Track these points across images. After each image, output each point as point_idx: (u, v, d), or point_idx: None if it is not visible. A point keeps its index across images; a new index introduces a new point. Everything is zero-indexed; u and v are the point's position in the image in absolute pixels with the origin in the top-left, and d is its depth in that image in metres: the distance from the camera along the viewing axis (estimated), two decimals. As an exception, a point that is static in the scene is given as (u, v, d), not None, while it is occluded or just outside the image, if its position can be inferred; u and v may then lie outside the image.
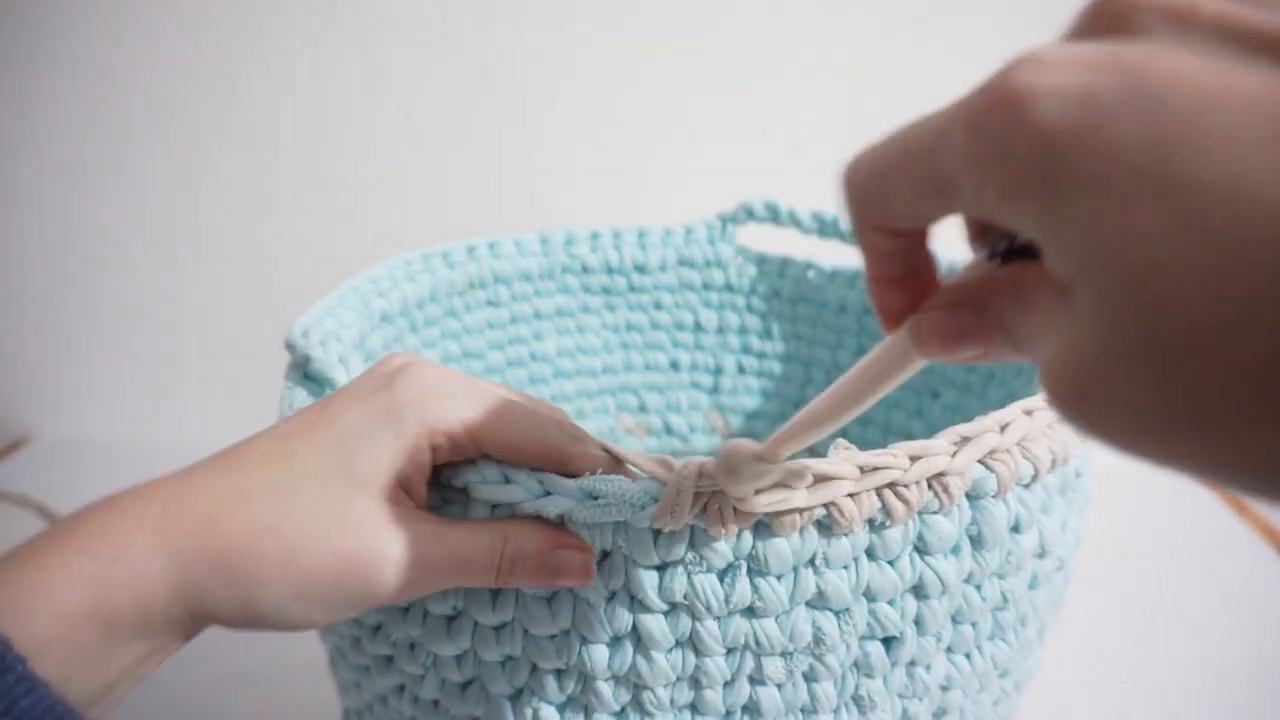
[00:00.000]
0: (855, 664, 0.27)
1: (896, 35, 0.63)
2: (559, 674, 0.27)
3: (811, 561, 0.25)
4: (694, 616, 0.25)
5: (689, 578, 0.25)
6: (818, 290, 0.50)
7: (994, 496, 0.26)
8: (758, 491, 0.23)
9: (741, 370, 0.53)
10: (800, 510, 0.24)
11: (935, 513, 0.25)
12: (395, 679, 0.29)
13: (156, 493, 0.23)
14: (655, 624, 0.25)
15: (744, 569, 0.25)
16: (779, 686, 0.27)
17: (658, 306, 0.53)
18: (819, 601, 0.25)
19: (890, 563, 0.26)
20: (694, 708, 0.27)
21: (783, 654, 0.26)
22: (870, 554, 0.25)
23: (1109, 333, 0.12)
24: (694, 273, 0.52)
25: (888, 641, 0.27)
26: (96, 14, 0.65)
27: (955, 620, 0.28)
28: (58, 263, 0.72)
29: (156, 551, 0.22)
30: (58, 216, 0.71)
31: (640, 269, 0.52)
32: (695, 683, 0.26)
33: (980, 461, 0.26)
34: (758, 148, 0.67)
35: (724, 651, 0.26)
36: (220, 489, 0.23)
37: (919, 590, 0.26)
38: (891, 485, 0.24)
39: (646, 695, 0.26)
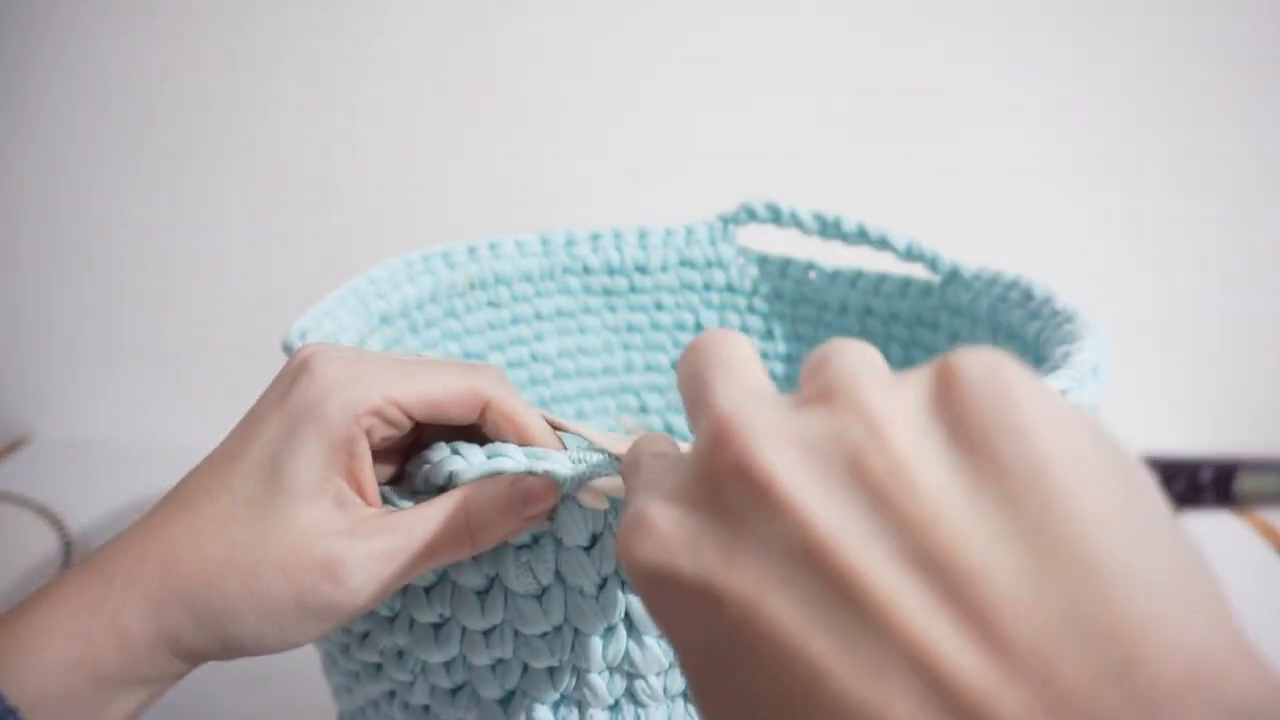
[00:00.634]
0: None
1: (897, 36, 0.63)
2: (552, 671, 0.27)
3: None
4: None
5: None
6: (819, 291, 0.50)
7: None
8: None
9: (742, 371, 0.53)
10: None
11: None
12: (385, 685, 0.29)
13: (124, 545, 0.23)
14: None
15: None
16: None
17: (659, 307, 0.53)
18: None
19: None
20: (686, 695, 0.27)
21: None
22: None
23: None
24: (695, 273, 0.52)
25: None
26: (96, 14, 0.65)
27: None
28: (57, 263, 0.72)
29: (129, 603, 0.22)
30: (57, 216, 0.71)
31: (641, 269, 0.52)
32: None
33: None
34: (759, 148, 0.67)
35: None
36: (174, 532, 0.23)
37: None
38: None
39: (640, 685, 0.26)
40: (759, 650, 0.13)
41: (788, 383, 0.53)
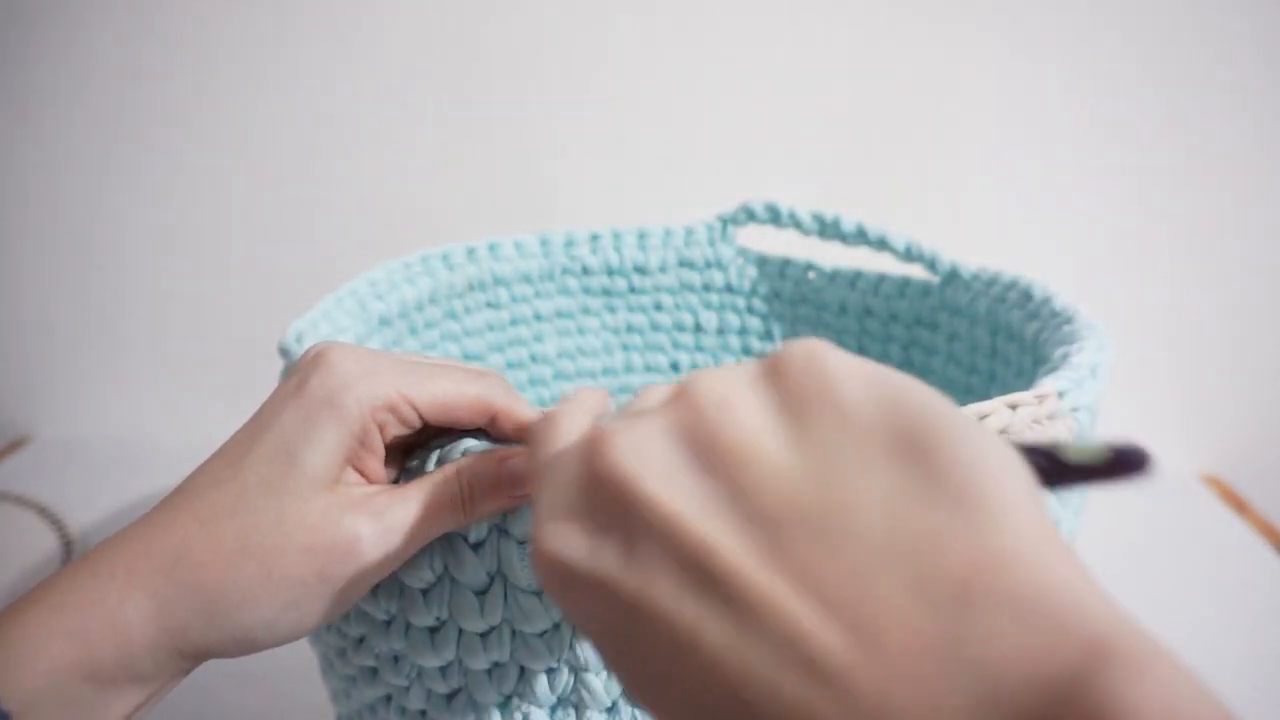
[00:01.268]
0: None
1: (897, 36, 0.63)
2: (550, 673, 0.26)
3: None
4: None
5: None
6: (818, 291, 0.50)
7: None
8: None
9: (741, 371, 0.53)
10: None
11: None
12: (381, 690, 0.29)
13: (123, 542, 0.23)
14: None
15: None
16: None
17: (658, 308, 0.53)
18: None
19: None
20: None
21: None
22: None
23: None
24: (694, 274, 0.52)
25: None
26: (96, 14, 0.65)
27: None
28: (58, 263, 0.72)
29: (131, 599, 0.22)
30: (57, 216, 0.71)
31: (640, 270, 0.52)
32: None
33: None
34: (758, 149, 0.67)
35: None
36: (183, 524, 0.23)
37: None
38: None
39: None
40: (651, 628, 0.15)
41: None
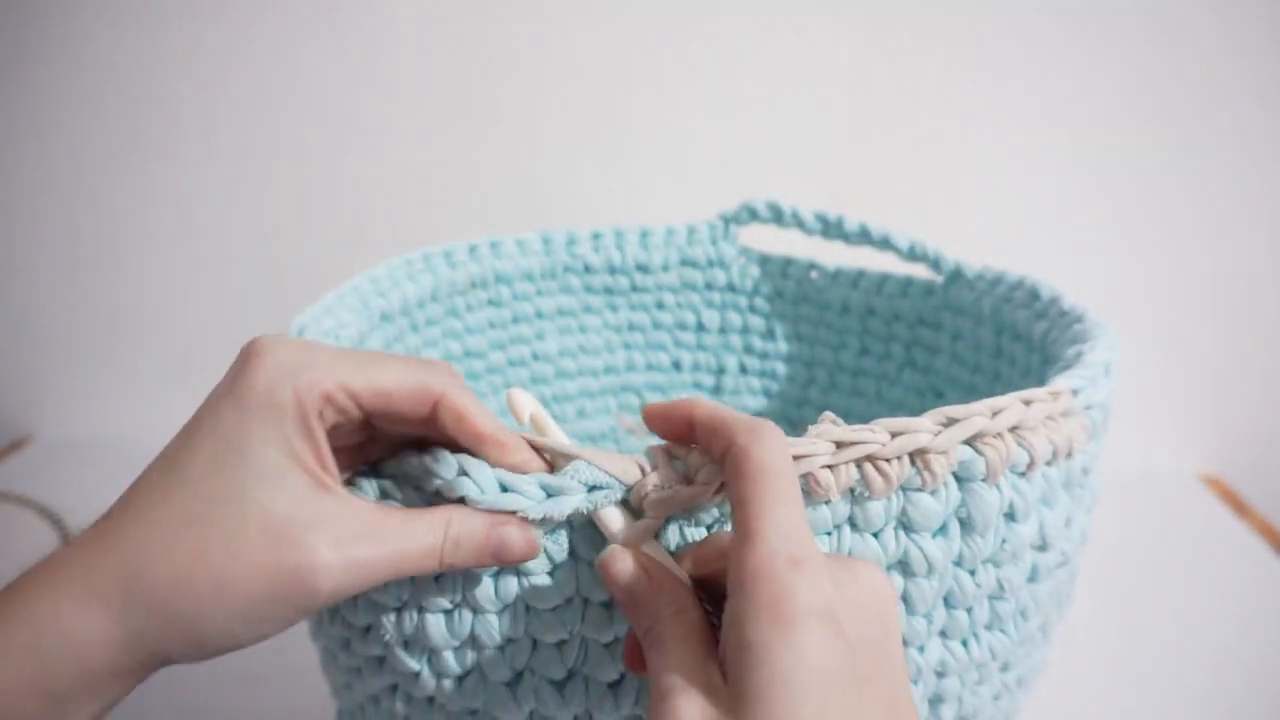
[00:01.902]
0: None
1: (896, 35, 0.63)
2: (560, 645, 0.26)
3: None
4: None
5: (681, 531, 0.25)
6: (820, 291, 0.50)
7: (984, 480, 0.26)
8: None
9: (744, 370, 0.53)
10: None
11: (919, 490, 0.26)
12: (387, 679, 0.29)
13: (75, 555, 0.22)
14: None
15: (729, 527, 0.25)
16: None
17: (660, 306, 0.53)
18: None
19: (874, 534, 0.26)
20: None
21: None
22: (852, 524, 0.26)
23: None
24: (696, 273, 0.52)
25: None
26: (96, 14, 0.65)
27: (948, 604, 0.28)
28: (58, 263, 0.72)
29: (87, 611, 0.21)
30: (58, 217, 0.71)
31: (642, 269, 0.52)
32: None
33: (969, 444, 0.26)
34: (761, 147, 0.67)
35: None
36: (135, 535, 0.22)
37: (905, 567, 0.26)
38: (870, 458, 0.25)
39: None
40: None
41: (789, 383, 0.53)
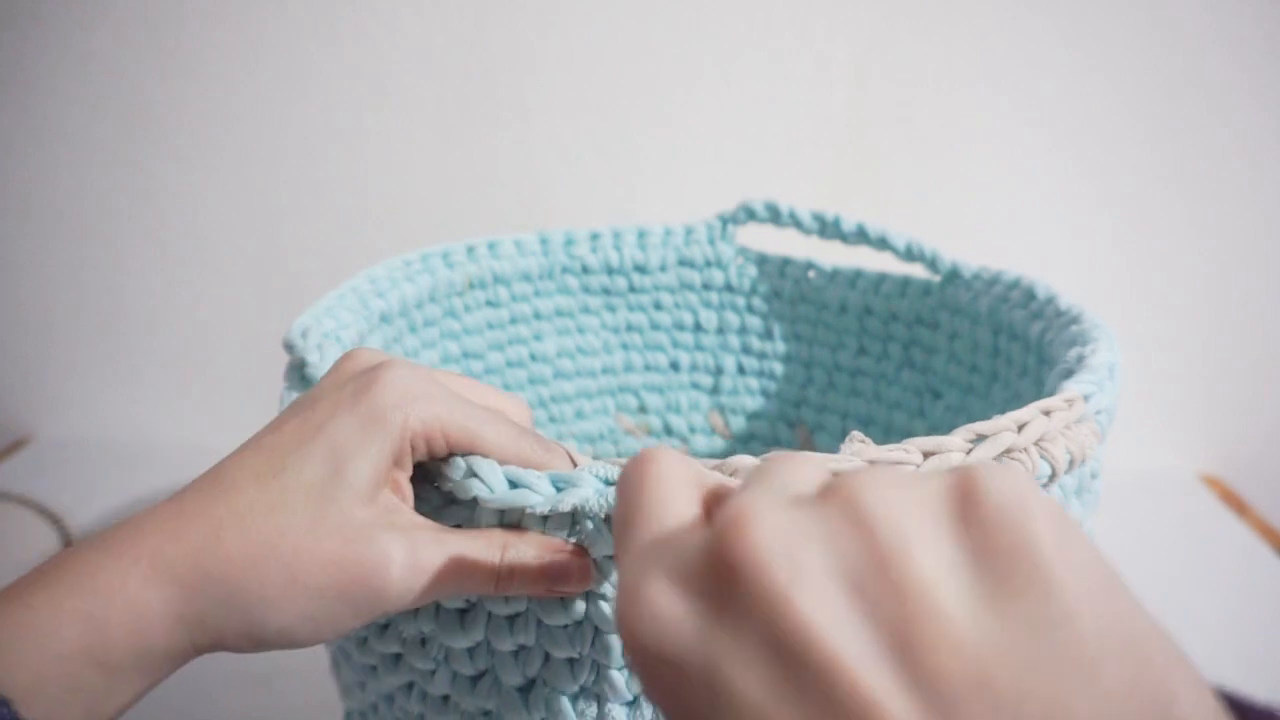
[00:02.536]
0: None
1: (896, 35, 0.63)
2: (573, 663, 0.27)
3: None
4: None
5: None
6: (818, 290, 0.50)
7: None
8: None
9: (742, 371, 0.53)
10: None
11: None
12: (404, 677, 0.29)
13: (149, 524, 0.22)
14: None
15: None
16: None
17: (658, 307, 0.53)
18: None
19: None
20: None
21: None
22: None
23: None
24: (694, 273, 0.52)
25: None
26: (97, 14, 0.65)
27: None
28: (58, 263, 0.72)
29: (155, 584, 0.21)
30: (58, 216, 0.71)
31: (640, 269, 0.52)
32: None
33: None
34: (758, 148, 0.67)
35: None
36: (215, 513, 0.23)
37: None
38: None
39: None
40: None
41: (786, 383, 0.53)
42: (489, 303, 0.49)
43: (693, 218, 0.53)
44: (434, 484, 0.26)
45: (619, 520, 0.19)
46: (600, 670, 0.27)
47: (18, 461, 0.72)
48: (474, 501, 0.25)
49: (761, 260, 0.52)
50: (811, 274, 0.51)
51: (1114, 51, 0.63)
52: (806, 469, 0.17)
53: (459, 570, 0.24)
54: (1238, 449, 0.72)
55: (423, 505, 0.26)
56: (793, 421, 0.52)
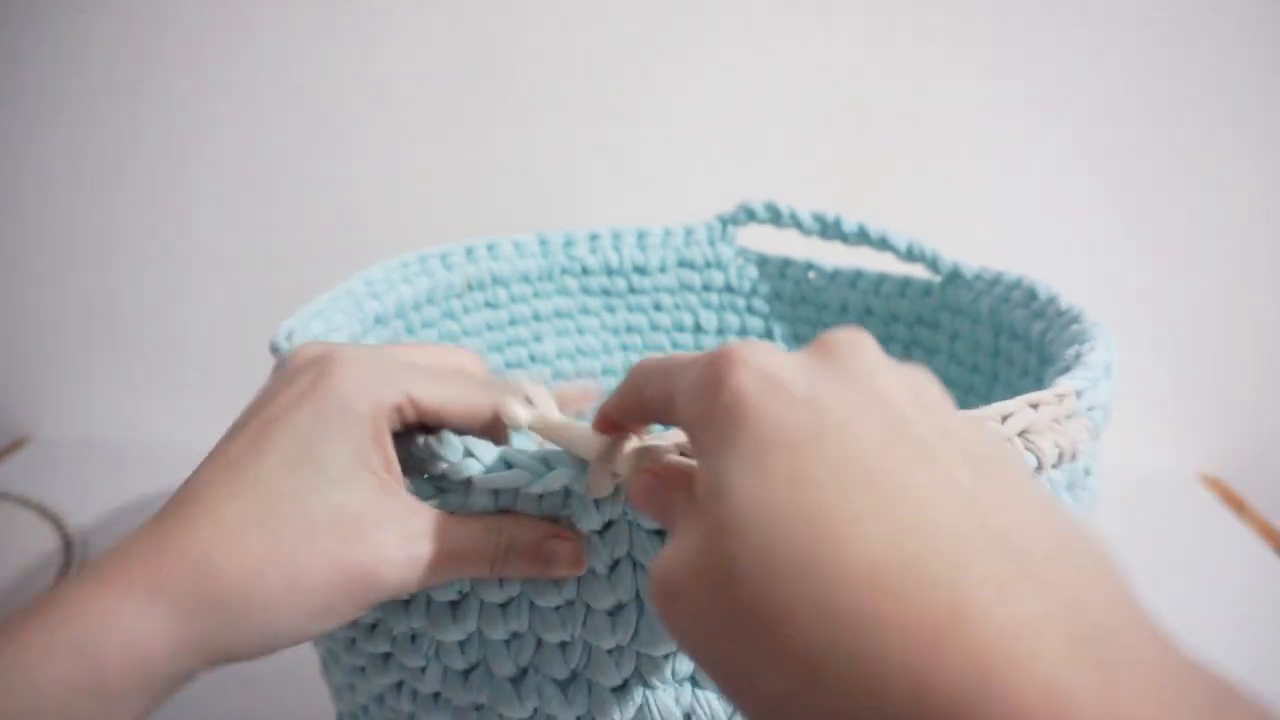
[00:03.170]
0: None
1: (896, 36, 0.63)
2: (564, 646, 0.27)
3: None
4: None
5: None
6: (818, 291, 0.50)
7: None
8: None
9: (741, 371, 0.53)
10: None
11: None
12: (393, 676, 0.29)
13: (136, 550, 0.22)
14: None
15: None
16: None
17: (657, 308, 0.53)
18: None
19: None
20: (694, 680, 0.27)
21: None
22: None
23: (701, 557, 0.17)
24: (694, 274, 0.52)
25: None
26: (96, 14, 0.65)
27: None
28: (58, 263, 0.72)
29: (151, 611, 0.21)
30: (57, 216, 0.71)
31: (640, 270, 0.52)
32: None
33: None
34: (758, 149, 0.67)
35: None
36: (201, 533, 0.23)
37: None
38: None
39: (648, 665, 0.26)
40: (850, 448, 0.16)
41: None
42: (488, 304, 0.49)
43: (693, 218, 0.52)
44: (421, 471, 0.26)
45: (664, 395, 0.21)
46: (591, 652, 0.27)
47: (18, 461, 0.72)
48: (468, 482, 0.25)
49: (761, 261, 0.52)
50: (812, 275, 0.50)
51: (1115, 51, 0.63)
52: (682, 357, 0.22)
53: (455, 556, 0.24)
54: (1238, 449, 0.71)
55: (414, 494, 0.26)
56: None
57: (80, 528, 0.60)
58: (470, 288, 0.48)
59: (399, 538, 0.23)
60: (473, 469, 0.25)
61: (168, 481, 0.72)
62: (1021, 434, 0.26)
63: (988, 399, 0.43)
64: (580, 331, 0.52)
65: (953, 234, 0.52)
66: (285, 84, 0.67)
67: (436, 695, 0.29)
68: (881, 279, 0.48)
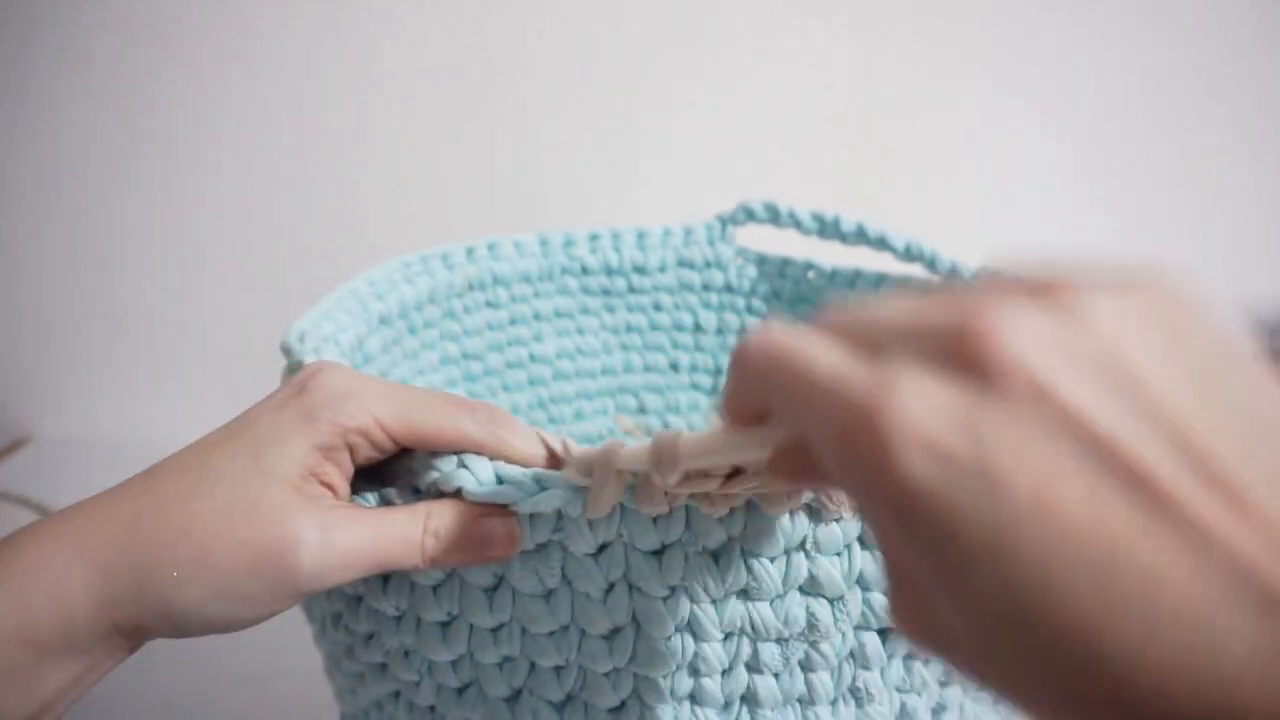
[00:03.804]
0: (852, 654, 0.27)
1: (896, 35, 0.63)
2: (558, 670, 0.27)
3: (802, 545, 0.25)
4: (692, 599, 0.25)
5: (686, 557, 0.25)
6: (818, 291, 0.50)
7: None
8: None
9: (741, 371, 0.53)
10: (787, 492, 0.24)
11: None
12: (390, 686, 0.29)
13: (78, 513, 0.23)
14: (655, 609, 0.25)
15: (738, 549, 0.25)
16: (776, 675, 0.27)
17: (657, 308, 0.53)
18: (811, 586, 0.26)
19: None
20: (693, 698, 0.27)
21: (778, 640, 0.26)
22: (863, 542, 0.26)
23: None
24: (693, 274, 0.52)
25: (884, 632, 0.27)
26: (97, 14, 0.65)
27: None
28: (58, 263, 0.72)
29: (77, 567, 0.22)
30: (58, 217, 0.71)
31: (640, 270, 0.52)
32: (694, 670, 0.26)
33: None
34: (758, 148, 0.67)
35: (721, 637, 0.26)
36: (138, 502, 0.23)
37: None
38: None
39: (646, 686, 0.26)
40: (1051, 527, 0.14)
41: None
42: (488, 304, 0.49)
43: (692, 218, 0.52)
44: (414, 488, 0.26)
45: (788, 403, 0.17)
46: (587, 676, 0.26)
47: (18, 461, 0.72)
48: (458, 494, 0.25)
49: (761, 261, 0.52)
50: (811, 274, 0.51)
51: (1115, 50, 0.63)
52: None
53: (379, 544, 0.24)
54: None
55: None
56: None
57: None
58: (471, 287, 0.48)
59: (315, 529, 0.23)
60: (464, 480, 0.25)
61: (168, 481, 0.72)
62: None
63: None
64: (580, 331, 0.52)
65: (952, 233, 0.52)
66: (286, 84, 0.67)
67: (432, 708, 0.29)
68: (880, 278, 0.48)
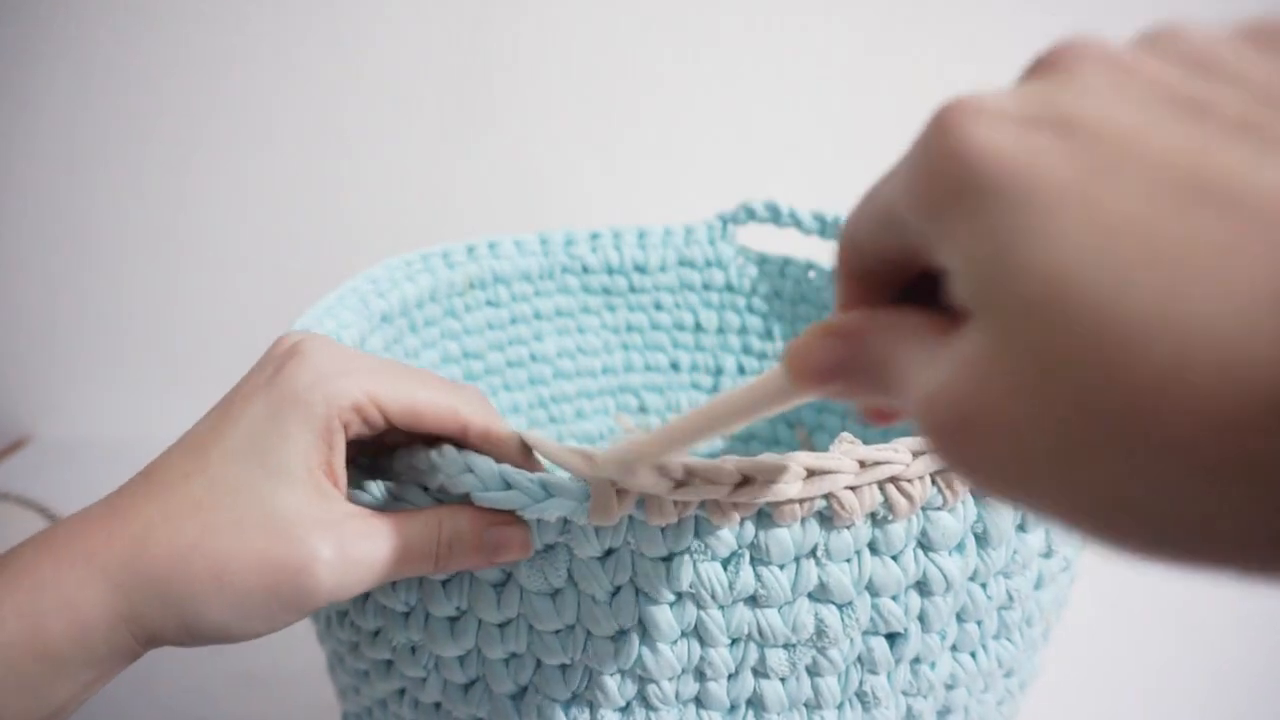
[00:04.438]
0: (859, 659, 0.27)
1: (896, 35, 0.63)
2: (564, 669, 0.26)
3: (813, 553, 0.25)
4: (699, 605, 0.25)
5: (694, 565, 0.25)
6: (819, 291, 0.50)
7: None
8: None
9: (742, 371, 0.53)
10: (799, 501, 0.24)
11: (940, 509, 0.25)
12: (395, 683, 0.29)
13: (82, 526, 0.23)
14: (661, 614, 0.25)
15: (747, 557, 0.25)
16: (782, 680, 0.27)
17: (658, 307, 0.53)
18: (821, 593, 0.25)
19: (894, 557, 0.26)
20: (699, 701, 0.27)
21: (785, 645, 0.26)
22: (873, 548, 0.25)
23: (1003, 358, 0.12)
24: (694, 273, 0.52)
25: (891, 637, 0.27)
26: (97, 14, 0.65)
27: (960, 618, 0.28)
28: (58, 263, 0.72)
29: (91, 585, 0.22)
30: (57, 216, 0.71)
31: (640, 269, 0.52)
32: (700, 675, 0.26)
33: None
34: (758, 148, 0.67)
35: (728, 642, 0.26)
36: (146, 513, 0.23)
37: (923, 586, 0.26)
38: (894, 479, 0.24)
39: (652, 689, 0.26)
40: (1144, 170, 0.12)
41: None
42: (489, 303, 0.49)
43: (693, 218, 0.53)
44: (421, 485, 0.26)
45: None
46: (593, 676, 0.26)
47: (18, 461, 0.72)
48: (465, 498, 0.25)
49: (762, 260, 0.52)
50: (812, 274, 0.51)
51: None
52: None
53: (395, 555, 0.24)
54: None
55: (405, 505, 0.26)
56: (792, 422, 0.52)
57: (80, 527, 0.60)
58: (472, 286, 0.48)
59: (332, 546, 0.23)
60: (470, 485, 0.24)
61: (168, 481, 0.72)
62: None
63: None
64: (581, 330, 0.52)
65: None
66: (286, 84, 0.67)
67: (437, 705, 0.28)
68: (881, 278, 0.48)
